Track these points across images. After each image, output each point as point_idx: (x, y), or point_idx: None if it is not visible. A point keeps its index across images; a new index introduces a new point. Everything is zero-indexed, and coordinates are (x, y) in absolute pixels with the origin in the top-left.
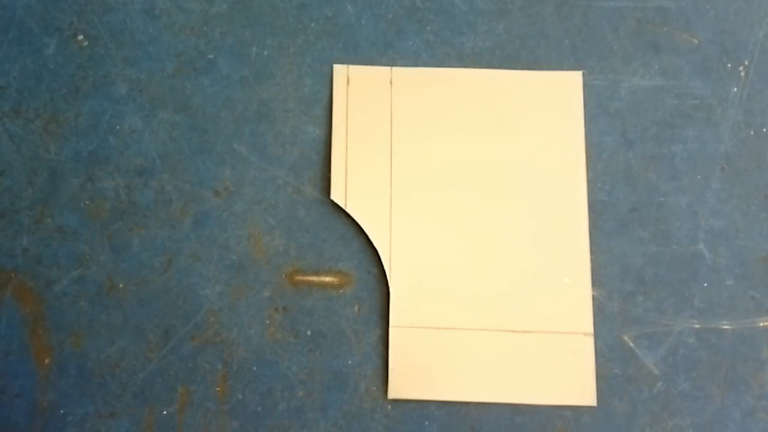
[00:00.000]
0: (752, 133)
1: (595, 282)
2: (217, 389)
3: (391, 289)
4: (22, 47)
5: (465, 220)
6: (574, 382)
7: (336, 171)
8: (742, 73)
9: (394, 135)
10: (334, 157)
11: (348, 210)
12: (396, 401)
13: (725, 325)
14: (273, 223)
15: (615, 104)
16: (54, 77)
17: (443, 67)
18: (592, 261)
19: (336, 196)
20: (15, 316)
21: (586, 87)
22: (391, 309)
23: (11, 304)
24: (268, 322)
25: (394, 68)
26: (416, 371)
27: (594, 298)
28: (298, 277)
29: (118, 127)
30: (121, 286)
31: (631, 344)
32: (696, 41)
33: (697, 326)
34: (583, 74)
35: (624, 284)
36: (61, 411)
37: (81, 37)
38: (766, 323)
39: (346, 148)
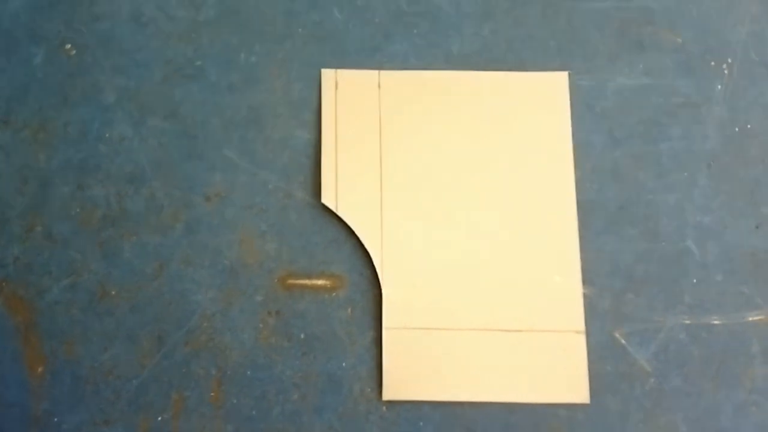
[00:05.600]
0: (737, 130)
1: (586, 280)
2: (212, 394)
3: (383, 291)
4: (9, 57)
5: (455, 220)
6: (567, 380)
7: (326, 175)
8: (726, 71)
9: (383, 137)
10: (324, 161)
11: (339, 213)
12: (390, 402)
13: (715, 320)
14: (264, 228)
15: (602, 104)
16: (42, 86)
17: (431, 69)
18: (582, 259)
19: (327, 199)
20: (7, 325)
21: (573, 87)
22: (384, 311)
23: (3, 314)
24: (261, 326)
25: (382, 71)
26: (410, 372)
27: (585, 296)
28: (291, 281)
29: (107, 135)
30: (113, 293)
31: (623, 341)
32: (680, 40)
33: (687, 322)
34: (569, 74)
35: (614, 282)
36: (56, 419)
37: (69, 46)
38: (755, 318)
39: (336, 151)
